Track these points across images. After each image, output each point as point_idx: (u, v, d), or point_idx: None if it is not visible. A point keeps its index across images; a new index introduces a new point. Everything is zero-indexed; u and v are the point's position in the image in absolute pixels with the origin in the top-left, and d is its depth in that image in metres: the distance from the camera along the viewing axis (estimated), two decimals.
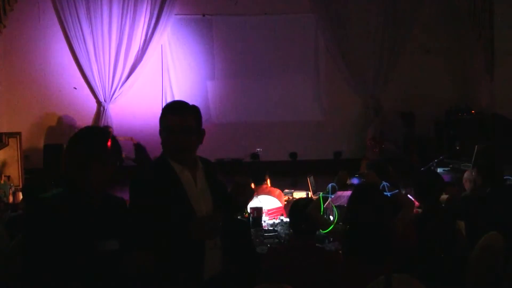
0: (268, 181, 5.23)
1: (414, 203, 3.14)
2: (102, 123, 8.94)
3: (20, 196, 5.61)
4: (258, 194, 4.81)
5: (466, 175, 4.20)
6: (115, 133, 8.94)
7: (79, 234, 1.94)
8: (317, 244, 3.14)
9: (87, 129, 2.20)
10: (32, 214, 2.08)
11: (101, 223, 2.04)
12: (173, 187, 2.32)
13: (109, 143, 2.06)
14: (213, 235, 2.25)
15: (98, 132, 2.15)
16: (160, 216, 2.22)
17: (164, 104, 9.19)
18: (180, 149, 2.35)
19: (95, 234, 2.00)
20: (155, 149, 2.58)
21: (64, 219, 1.94)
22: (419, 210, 3.53)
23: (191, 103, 2.46)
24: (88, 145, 2.03)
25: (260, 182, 5.08)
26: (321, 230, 2.93)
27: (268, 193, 4.90)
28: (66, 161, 2.05)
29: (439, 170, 6.30)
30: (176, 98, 9.10)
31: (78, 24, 8.88)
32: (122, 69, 9.08)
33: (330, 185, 3.00)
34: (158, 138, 2.40)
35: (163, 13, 8.99)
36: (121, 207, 2.21)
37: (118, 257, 2.02)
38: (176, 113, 2.35)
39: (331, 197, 3.00)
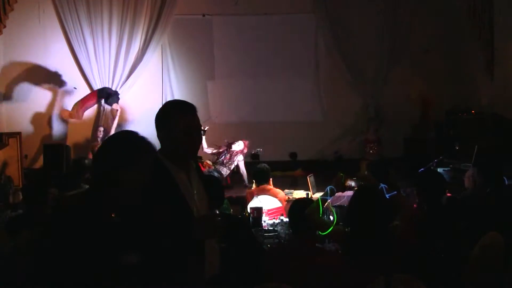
0: (271, 181, 5.21)
1: (412, 204, 3.14)
2: (102, 123, 8.94)
3: (20, 196, 5.60)
4: (260, 194, 4.82)
5: (469, 172, 4.18)
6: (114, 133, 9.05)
7: (103, 248, 1.76)
8: (317, 244, 3.15)
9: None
10: (59, 223, 1.83)
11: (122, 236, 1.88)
12: (171, 189, 2.31)
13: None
14: (217, 234, 2.25)
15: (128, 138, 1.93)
16: (159, 218, 2.21)
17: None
18: (197, 150, 2.35)
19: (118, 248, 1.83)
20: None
21: (88, 232, 1.75)
22: (420, 210, 3.53)
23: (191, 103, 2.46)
24: (119, 153, 1.84)
25: (263, 182, 5.07)
26: (319, 232, 2.94)
27: (272, 194, 4.90)
28: (96, 171, 1.89)
29: (439, 170, 6.29)
30: (176, 98, 9.13)
31: (78, 24, 8.89)
32: (122, 69, 9.07)
33: (328, 187, 3.01)
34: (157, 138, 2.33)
35: (163, 13, 8.99)
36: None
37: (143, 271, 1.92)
38: (195, 113, 2.29)
39: (329, 200, 3.00)
